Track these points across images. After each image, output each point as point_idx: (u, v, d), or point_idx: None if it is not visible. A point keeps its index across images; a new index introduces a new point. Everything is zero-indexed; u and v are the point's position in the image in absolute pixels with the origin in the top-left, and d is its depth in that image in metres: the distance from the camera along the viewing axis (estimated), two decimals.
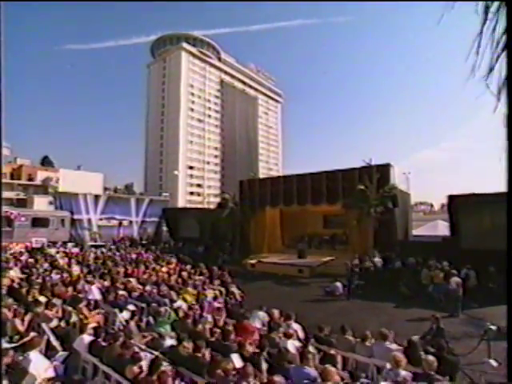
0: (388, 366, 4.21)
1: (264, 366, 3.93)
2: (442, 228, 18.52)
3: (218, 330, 5.20)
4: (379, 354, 4.57)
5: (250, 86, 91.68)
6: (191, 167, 74.76)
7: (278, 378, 3.32)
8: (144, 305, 7.39)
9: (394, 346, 4.62)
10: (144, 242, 24.29)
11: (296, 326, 5.71)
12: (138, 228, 26.72)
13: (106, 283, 9.10)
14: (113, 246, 21.24)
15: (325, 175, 18.07)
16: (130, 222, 26.23)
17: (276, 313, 6.01)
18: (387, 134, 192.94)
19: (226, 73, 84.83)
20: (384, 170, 15.71)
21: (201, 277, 10.22)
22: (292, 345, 4.78)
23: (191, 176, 74.57)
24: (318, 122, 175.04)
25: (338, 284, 11.22)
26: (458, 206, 12.76)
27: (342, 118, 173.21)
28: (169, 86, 75.22)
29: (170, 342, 5.63)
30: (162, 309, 7.12)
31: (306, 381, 3.64)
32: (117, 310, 6.90)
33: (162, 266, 11.77)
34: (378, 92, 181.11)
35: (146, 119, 79.15)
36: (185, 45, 74.71)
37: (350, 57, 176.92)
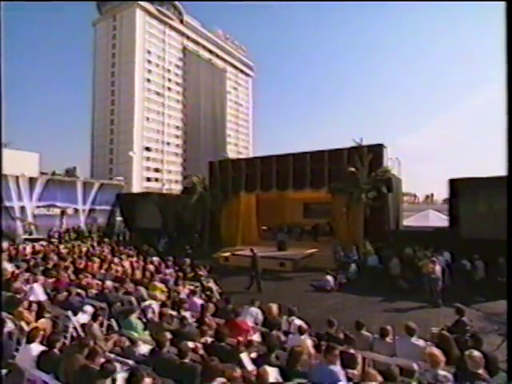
0: (415, 366, 4.02)
1: (275, 371, 3.54)
2: (433, 218, 19.32)
3: (208, 330, 4.72)
4: (403, 352, 4.38)
5: (218, 56, 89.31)
6: (148, 148, 71.90)
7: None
8: (104, 305, 6.68)
9: (421, 342, 4.46)
10: (94, 234, 22.90)
11: (299, 323, 5.42)
12: (86, 217, 25.11)
13: (52, 280, 8.19)
14: (54, 239, 19.73)
15: (309, 156, 17.95)
16: (76, 210, 24.53)
17: (274, 308, 5.68)
18: (368, 117, 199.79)
19: (189, 38, 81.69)
20: (376, 150, 15.84)
21: (171, 270, 9.63)
22: (309, 342, 4.50)
23: (148, 159, 71.81)
24: (294, 100, 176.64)
25: (329, 277, 11.20)
26: (459, 190, 13.15)
27: (321, 96, 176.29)
28: (120, 51, 70.92)
29: (144, 347, 5.08)
30: (129, 308, 6.51)
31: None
32: (70, 313, 6.15)
33: (121, 260, 10.97)
34: (359, 70, 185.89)
35: (92, 90, 74.31)
36: (140, 1, 70.50)
37: (331, 29, 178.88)
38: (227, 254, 17.11)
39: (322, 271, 12.77)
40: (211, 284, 9.36)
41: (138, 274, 8.83)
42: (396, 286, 10.86)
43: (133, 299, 7.26)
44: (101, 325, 5.06)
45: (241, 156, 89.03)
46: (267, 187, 19.03)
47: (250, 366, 3.71)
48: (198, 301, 6.77)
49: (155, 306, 7.52)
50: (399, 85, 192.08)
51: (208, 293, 8.54)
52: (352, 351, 4.19)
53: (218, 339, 4.31)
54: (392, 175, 15.91)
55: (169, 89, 77.45)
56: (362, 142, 16.79)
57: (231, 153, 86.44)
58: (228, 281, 11.85)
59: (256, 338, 5.42)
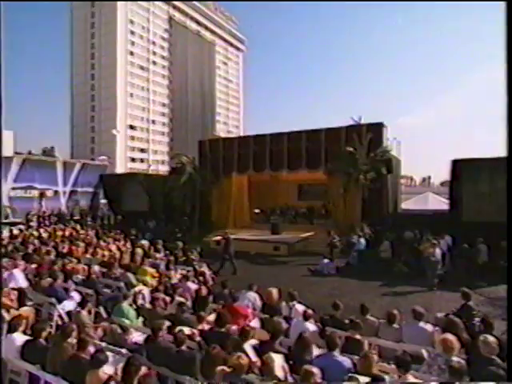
0: (424, 352, 4.01)
1: (280, 358, 3.46)
2: (433, 201, 19.53)
3: (208, 317, 4.62)
4: (410, 338, 4.37)
5: (206, 28, 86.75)
6: (132, 127, 70.50)
7: (315, 370, 2.89)
8: (91, 291, 6.54)
9: (429, 327, 4.45)
10: (76, 217, 22.53)
11: (301, 308, 5.37)
12: (67, 200, 24.66)
13: (34, 266, 7.98)
14: (33, 223, 19.32)
15: (305, 135, 17.78)
16: (56, 192, 24.00)
17: (274, 292, 5.62)
18: (365, 95, 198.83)
19: (175, 8, 78.86)
20: (376, 129, 15.73)
21: (161, 254, 9.50)
22: (313, 328, 4.45)
23: (132, 138, 70.56)
24: (288, 77, 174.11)
25: (326, 261, 11.23)
26: (461, 172, 13.20)
27: (317, 74, 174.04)
28: (100, 21, 68.17)
29: (136, 335, 4.98)
30: (119, 294, 6.38)
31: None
32: (54, 300, 5.99)
33: (108, 243, 10.78)
34: (357, 46, 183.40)
35: (70, 63, 71.57)
36: None
37: (329, 1, 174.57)
38: (218, 238, 16.91)
39: (318, 255, 12.93)
40: (204, 269, 9.27)
41: (127, 259, 8.68)
42: (394, 268, 10.96)
43: (122, 285, 7.13)
44: (89, 312, 4.91)
45: (231, 136, 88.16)
46: (260, 168, 18.86)
47: (252, 355, 3.62)
48: (192, 285, 6.67)
49: (146, 291, 7.41)
50: (397, 63, 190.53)
51: (201, 278, 8.46)
52: (358, 337, 4.14)
53: (219, 325, 4.21)
54: (392, 156, 15.86)
55: (154, 63, 75.30)
56: (360, 121, 16.64)
57: (221, 132, 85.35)
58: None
59: (255, 324, 5.36)
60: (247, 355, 3.42)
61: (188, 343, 3.80)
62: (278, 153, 18.22)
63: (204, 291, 5.76)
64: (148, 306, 7.15)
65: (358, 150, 15.20)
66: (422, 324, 4.51)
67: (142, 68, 72.74)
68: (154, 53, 75.65)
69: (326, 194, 20.00)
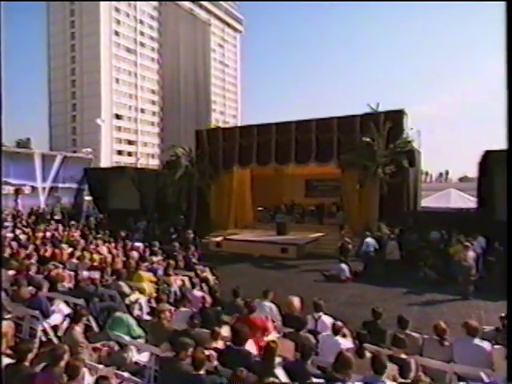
0: (483, 375, 3.74)
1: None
2: (456, 198, 19.36)
3: (222, 331, 4.34)
4: (463, 357, 4.10)
5: (200, 6, 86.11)
6: (118, 116, 70.05)
7: None
8: (81, 301, 6.25)
9: (486, 344, 4.18)
10: (57, 217, 22.24)
11: (328, 320, 5.11)
12: (47, 197, 24.36)
13: (12, 272, 7.67)
14: (8, 223, 18.97)
15: (315, 124, 17.45)
16: (34, 188, 23.69)
17: (296, 302, 5.37)
18: (375, 79, 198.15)
19: None
20: (396, 117, 15.45)
21: (158, 258, 9.23)
22: (347, 344, 4.21)
23: (119, 129, 70.18)
24: (291, 60, 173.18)
25: (343, 266, 11.02)
26: (494, 165, 12.95)
27: (324, 58, 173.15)
28: None
29: (135, 353, 4.70)
30: (113, 304, 6.11)
31: None
32: (37, 313, 5.71)
33: (98, 246, 10.49)
34: (366, 28, 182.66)
35: (47, 44, 70.88)
36: None
37: None
38: (219, 239, 16.87)
39: (330, 258, 12.79)
40: (207, 274, 9.01)
41: (119, 263, 8.38)
42: (419, 273, 10.75)
43: (114, 293, 6.85)
44: (85, 329, 4.61)
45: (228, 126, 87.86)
46: (265, 161, 18.55)
47: (284, 378, 3.35)
48: (198, 294, 6.39)
49: (143, 301, 7.16)
50: (411, 48, 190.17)
51: (203, 284, 8.19)
52: (403, 356, 3.87)
53: (237, 342, 3.92)
54: (413, 147, 15.63)
55: (142, 44, 74.74)
56: (377, 108, 16.35)
57: (217, 122, 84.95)
58: (223, 270, 11.51)
59: (274, 337, 5.09)
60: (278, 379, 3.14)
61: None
62: (285, 144, 17.90)
63: (212, 301, 5.47)
64: (146, 317, 6.91)
65: (376, 141, 14.92)
66: (477, 341, 4.24)
67: (128, 50, 72.15)
68: (142, 33, 75.02)
69: (338, 190, 19.77)
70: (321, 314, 5.26)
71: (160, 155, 74.81)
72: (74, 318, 4.60)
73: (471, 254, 9.62)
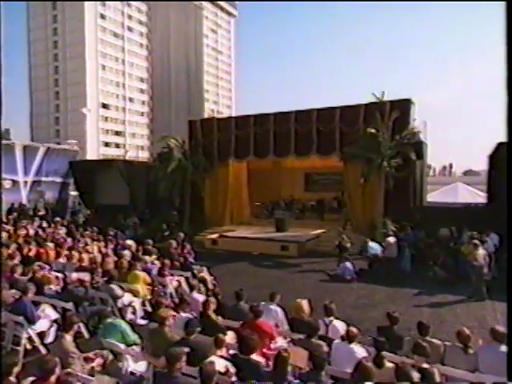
0: None
1: None
2: (463, 193, 19.31)
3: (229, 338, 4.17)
4: (490, 366, 3.97)
5: None
6: (105, 106, 69.31)
7: None
8: (70, 305, 6.08)
9: None
10: (41, 213, 21.94)
11: (340, 326, 4.97)
12: (29, 192, 23.97)
13: None
14: None
15: (316, 114, 17.29)
16: (15, 182, 23.28)
17: (305, 305, 5.23)
18: (377, 68, 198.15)
19: None
20: (402, 107, 15.30)
21: (153, 257, 9.05)
22: (362, 352, 4.09)
23: (106, 119, 69.46)
24: (290, 47, 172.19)
25: (349, 265, 10.94)
26: (504, 158, 12.90)
27: (324, 43, 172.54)
28: None
29: (131, 362, 4.53)
30: (104, 309, 5.93)
31: None
32: (21, 319, 5.52)
33: (86, 244, 10.27)
34: (367, 12, 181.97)
35: (27, 27, 69.70)
36: None
37: None
38: (215, 236, 16.78)
39: (332, 256, 12.76)
40: (204, 274, 8.86)
41: (111, 263, 8.19)
42: (428, 272, 10.70)
43: (107, 296, 6.67)
44: (75, 337, 4.40)
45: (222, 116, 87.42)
46: (263, 153, 18.42)
47: None
48: (200, 297, 6.22)
49: (137, 304, 7.01)
50: (413, 35, 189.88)
51: (201, 285, 8.04)
52: (425, 365, 3.73)
53: (245, 351, 3.75)
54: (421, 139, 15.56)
55: (129, 29, 73.79)
56: (383, 97, 16.15)
57: (208, 114, 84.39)
58: (220, 270, 11.39)
59: (281, 344, 4.96)
60: None
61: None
62: (284, 136, 17.75)
63: (215, 305, 5.29)
64: (140, 321, 6.76)
65: (381, 132, 14.78)
66: (504, 348, 4.12)
67: (115, 35, 71.19)
68: (130, 17, 74.08)
69: (339, 184, 19.70)
70: (332, 318, 5.12)
71: (150, 147, 74.42)
72: (63, 325, 4.39)
73: (481, 253, 9.54)
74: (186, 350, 3.61)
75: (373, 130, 14.81)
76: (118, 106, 71.79)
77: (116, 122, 71.37)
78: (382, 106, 15.67)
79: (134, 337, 4.95)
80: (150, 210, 20.12)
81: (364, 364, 3.35)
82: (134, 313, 7.05)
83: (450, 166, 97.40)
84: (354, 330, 4.43)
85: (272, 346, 4.78)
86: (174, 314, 4.95)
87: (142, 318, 7.04)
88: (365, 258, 12.76)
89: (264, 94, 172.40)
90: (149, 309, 7.30)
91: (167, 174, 18.13)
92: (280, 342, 5.00)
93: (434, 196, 20.70)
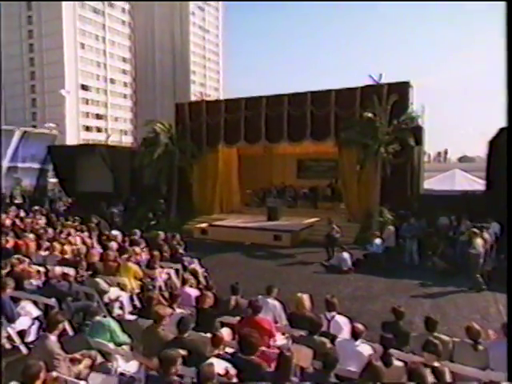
0: None
1: None
2: (461, 180, 19.40)
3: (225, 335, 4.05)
4: (501, 364, 3.92)
5: None
6: (85, 87, 67.89)
7: None
8: (53, 301, 5.90)
9: None
10: (18, 201, 21.54)
11: (343, 321, 4.90)
12: (4, 179, 23.46)
13: None
14: None
15: (310, 98, 17.10)
16: None
17: (306, 300, 5.14)
18: (371, 49, 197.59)
19: None
20: (400, 90, 15.18)
21: (141, 247, 8.89)
22: (368, 350, 4.03)
23: (86, 101, 68.16)
24: (281, 26, 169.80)
25: (346, 255, 10.91)
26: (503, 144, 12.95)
27: (316, 24, 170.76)
28: None
29: (121, 362, 4.40)
30: (90, 305, 5.79)
31: None
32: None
33: (69, 235, 10.03)
34: None
35: None
36: None
37: None
38: (204, 226, 16.68)
39: (336, 245, 12.57)
40: (195, 266, 8.75)
41: (96, 255, 8.00)
42: (429, 265, 10.79)
43: (92, 290, 6.50)
44: (59, 336, 4.22)
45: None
46: (254, 138, 18.24)
47: None
48: (192, 291, 6.08)
49: (125, 298, 6.86)
50: (409, 15, 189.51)
51: (191, 278, 7.91)
52: (436, 364, 3.67)
53: (246, 351, 3.63)
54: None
55: (110, 5, 72.01)
56: (380, 79, 15.99)
57: (195, 97, 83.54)
58: (210, 261, 11.29)
59: (281, 341, 4.89)
60: None
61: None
62: (276, 120, 17.55)
63: (211, 299, 5.15)
64: (129, 317, 6.63)
65: (378, 116, 14.66)
66: None
67: (95, 11, 69.40)
68: None
69: (333, 171, 19.70)
70: (334, 313, 5.03)
71: (134, 131, 73.44)
72: (47, 324, 4.20)
73: (479, 241, 9.59)
74: (182, 352, 3.48)
75: (370, 115, 14.68)
76: (99, 87, 70.53)
77: (97, 105, 70.17)
78: (380, 89, 15.51)
79: (123, 337, 4.81)
80: (136, 198, 19.89)
81: (374, 364, 3.27)
82: (121, 307, 6.90)
83: (445, 152, 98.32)
84: (359, 326, 4.35)
85: (271, 343, 4.70)
86: (172, 312, 4.80)
87: (131, 313, 6.89)
88: (362, 249, 12.85)
89: (254, 76, 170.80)
90: (137, 303, 7.16)
91: (153, 160, 17.84)
92: (279, 339, 4.92)
93: (430, 183, 20.80)
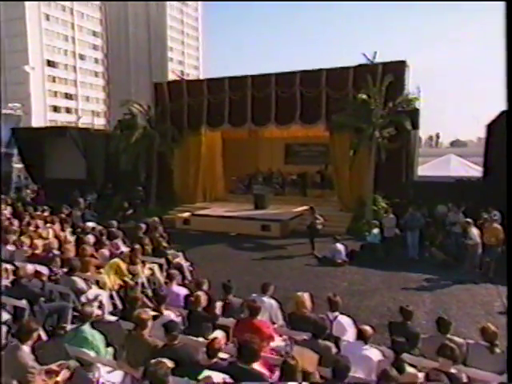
0: None
1: None
2: (456, 166, 19.58)
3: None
4: None
5: None
6: (52, 63, 65.76)
7: None
8: (24, 303, 5.62)
9: None
10: None
11: (347, 322, 4.78)
12: None
13: None
14: None
15: (299, 77, 16.92)
16: None
17: (307, 299, 4.98)
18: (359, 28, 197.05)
19: None
20: (397, 70, 15.09)
21: (119, 241, 8.62)
22: (377, 355, 3.93)
23: (53, 79, 66.16)
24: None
25: (340, 246, 10.86)
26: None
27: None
28: None
29: (103, 372, 4.19)
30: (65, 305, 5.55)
31: None
32: None
33: (37, 227, 9.67)
34: None
35: None
36: None
37: None
38: (187, 215, 16.50)
39: (318, 237, 12.50)
40: (180, 260, 8.55)
41: (71, 250, 7.69)
42: (427, 256, 10.85)
43: (68, 290, 6.24)
44: (33, 348, 3.95)
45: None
46: (239, 121, 18.10)
47: None
48: (181, 290, 5.86)
49: (104, 297, 6.62)
50: None
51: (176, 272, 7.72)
52: (453, 370, 3.58)
53: (246, 360, 3.45)
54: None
55: None
56: (375, 58, 15.86)
57: (174, 76, 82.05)
58: (195, 254, 11.09)
59: (277, 343, 4.76)
60: None
61: None
62: (263, 101, 17.38)
63: (204, 300, 4.92)
64: (109, 317, 6.41)
65: (373, 98, 14.57)
66: None
67: None
68: None
69: (324, 156, 19.63)
70: (337, 313, 4.90)
71: (107, 113, 71.89)
72: (19, 335, 3.93)
73: (475, 231, 9.65)
74: (171, 365, 3.28)
75: (364, 96, 14.58)
76: (67, 63, 68.40)
77: (65, 83, 68.18)
78: (374, 68, 15.42)
79: (109, 353, 4.55)
80: (112, 186, 19.56)
81: (389, 373, 3.15)
82: (100, 307, 6.66)
83: (437, 135, 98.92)
84: (367, 328, 4.23)
85: (270, 346, 4.56)
86: (158, 315, 4.58)
87: (111, 313, 6.66)
88: (355, 239, 12.86)
89: (237, 54, 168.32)
90: (118, 302, 6.93)
91: (130, 144, 17.63)
92: (278, 342, 4.78)
93: (424, 169, 20.91)
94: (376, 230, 11.54)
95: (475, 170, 19.59)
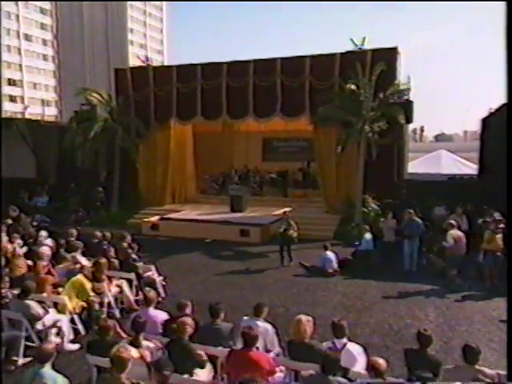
0: None
1: None
2: (448, 162, 19.95)
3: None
4: None
5: None
6: None
7: None
8: None
9: None
10: None
11: (356, 350, 4.52)
12: None
13: None
14: None
15: (279, 65, 16.83)
16: None
17: (305, 323, 4.63)
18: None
19: None
20: (388, 57, 15.12)
21: (77, 254, 8.16)
22: None
23: None
24: None
25: (330, 254, 10.70)
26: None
27: None
28: None
29: None
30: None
31: None
32: None
33: None
34: None
35: None
36: None
37: None
38: (155, 219, 16.23)
39: (303, 242, 12.58)
40: (152, 274, 8.18)
41: (23, 266, 7.19)
42: (424, 262, 10.88)
43: (20, 316, 5.78)
44: None
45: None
46: (214, 114, 17.96)
47: None
48: (159, 314, 5.46)
49: (64, 322, 6.20)
50: None
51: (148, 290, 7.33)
52: None
53: None
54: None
55: None
56: (363, 45, 15.84)
57: (135, 61, 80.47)
58: (166, 264, 10.89)
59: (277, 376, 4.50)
60: None
61: None
62: (240, 91, 17.29)
63: (191, 328, 4.52)
64: (70, 346, 6.05)
65: (362, 88, 14.56)
66: None
67: None
68: None
69: (306, 152, 19.65)
70: (345, 340, 4.62)
71: (58, 102, 70.06)
72: None
73: (453, 233, 9.68)
74: None
75: (353, 87, 14.54)
76: (10, 45, 66.02)
77: (9, 68, 65.85)
78: (363, 55, 15.47)
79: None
80: (66, 186, 19.04)
81: None
82: (58, 334, 6.23)
83: (422, 129, 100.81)
84: (380, 361, 3.97)
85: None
86: (137, 353, 4.17)
87: (72, 341, 6.25)
88: (343, 245, 12.79)
89: (207, 37, 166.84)
90: (80, 327, 6.53)
91: (88, 138, 17.24)
92: (276, 374, 4.50)
93: (414, 166, 21.23)
94: (368, 235, 11.43)
95: (468, 167, 20.03)
